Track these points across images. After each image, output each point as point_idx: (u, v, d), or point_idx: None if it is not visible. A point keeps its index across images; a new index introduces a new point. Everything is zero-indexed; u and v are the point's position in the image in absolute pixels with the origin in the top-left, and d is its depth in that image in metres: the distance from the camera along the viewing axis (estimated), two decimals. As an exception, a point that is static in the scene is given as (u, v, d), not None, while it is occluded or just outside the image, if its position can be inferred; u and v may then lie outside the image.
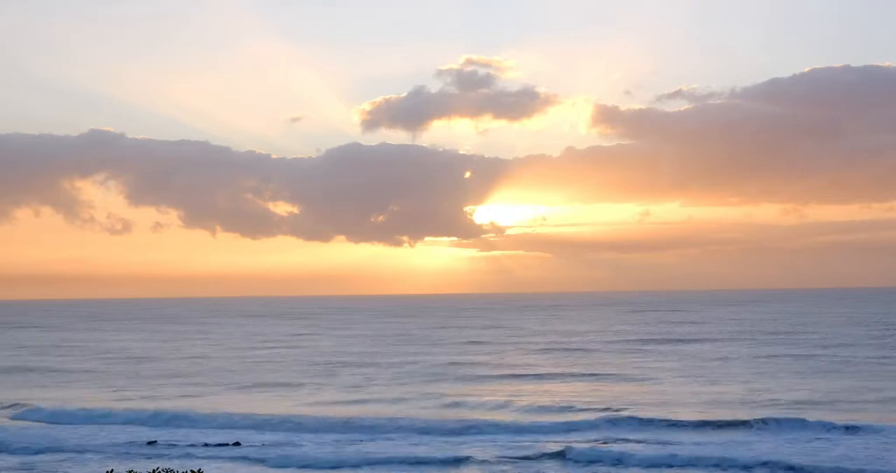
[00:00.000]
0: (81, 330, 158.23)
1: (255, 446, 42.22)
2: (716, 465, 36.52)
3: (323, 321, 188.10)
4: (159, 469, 25.05)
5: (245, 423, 48.17)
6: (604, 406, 51.43)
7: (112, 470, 31.64)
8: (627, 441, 41.76)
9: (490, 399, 55.22)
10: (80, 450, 42.02)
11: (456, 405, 53.96)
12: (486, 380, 66.94)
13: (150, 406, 54.61)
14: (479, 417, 48.74)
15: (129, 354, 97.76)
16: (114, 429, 47.54)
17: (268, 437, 44.60)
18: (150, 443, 43.05)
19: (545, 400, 54.94)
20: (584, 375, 69.64)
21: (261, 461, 39.26)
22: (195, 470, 28.07)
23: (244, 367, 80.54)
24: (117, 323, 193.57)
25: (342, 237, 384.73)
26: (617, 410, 49.96)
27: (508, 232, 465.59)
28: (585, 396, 56.73)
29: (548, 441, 41.72)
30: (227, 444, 42.76)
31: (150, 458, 39.22)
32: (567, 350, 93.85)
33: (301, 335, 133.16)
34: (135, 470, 29.36)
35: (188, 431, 46.72)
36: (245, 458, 39.80)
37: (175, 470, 25.83)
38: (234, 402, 57.02)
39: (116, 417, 51.18)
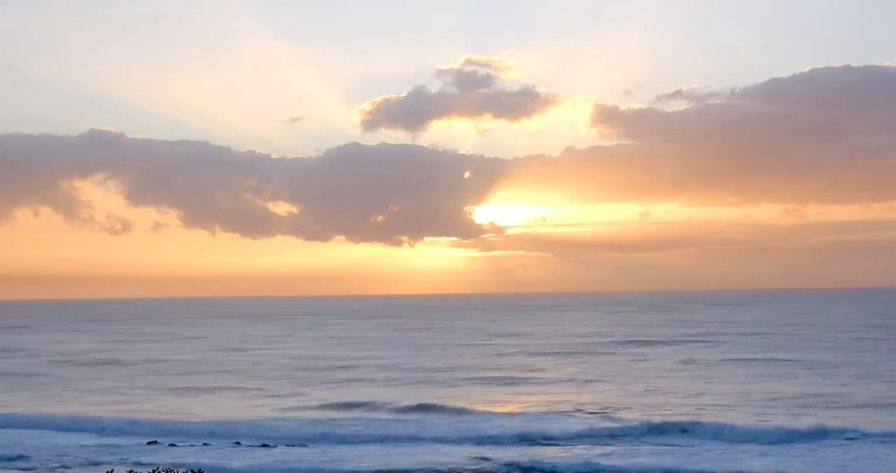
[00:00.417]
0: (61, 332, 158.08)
1: (256, 446, 42.37)
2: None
3: (315, 321, 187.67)
4: (159, 469, 25.23)
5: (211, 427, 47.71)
6: (572, 411, 50.62)
7: (112, 470, 31.84)
8: (594, 447, 41.01)
9: (461, 405, 53.70)
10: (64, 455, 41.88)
11: (421, 409, 52.76)
12: (463, 384, 65.74)
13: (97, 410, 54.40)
14: (441, 423, 47.86)
15: (97, 357, 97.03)
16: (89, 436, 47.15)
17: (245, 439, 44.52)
18: (150, 443, 43.19)
19: (517, 406, 53.54)
20: (558, 379, 68.38)
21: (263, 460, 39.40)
22: (195, 471, 28.24)
23: (211, 369, 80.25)
24: (110, 323, 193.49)
25: (342, 237, 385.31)
26: (586, 415, 49.11)
27: (508, 232, 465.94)
28: (554, 401, 55.09)
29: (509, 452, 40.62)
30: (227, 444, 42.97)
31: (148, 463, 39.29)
32: (549, 353, 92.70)
33: (288, 336, 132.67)
34: (135, 471, 29.57)
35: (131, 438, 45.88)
36: (249, 458, 39.95)
37: (175, 470, 26.00)
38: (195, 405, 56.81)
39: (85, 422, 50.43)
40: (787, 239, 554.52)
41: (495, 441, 42.98)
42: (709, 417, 47.06)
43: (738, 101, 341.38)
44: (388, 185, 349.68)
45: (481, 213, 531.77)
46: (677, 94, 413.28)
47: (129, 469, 33.29)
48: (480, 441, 43.03)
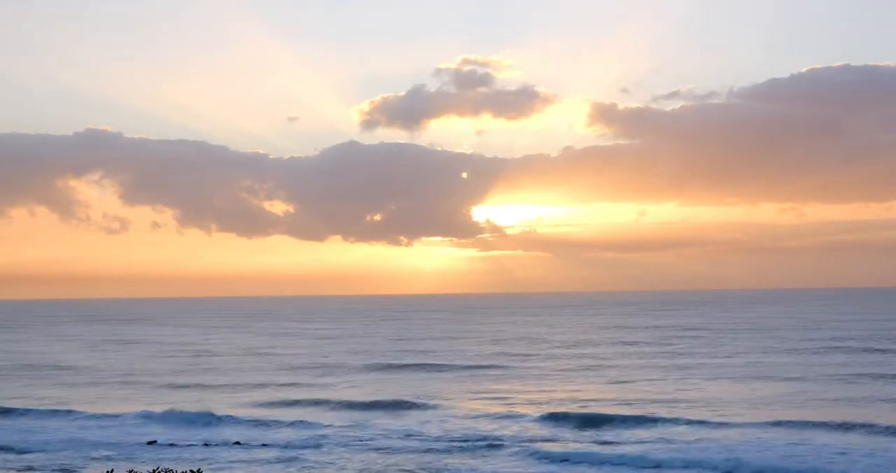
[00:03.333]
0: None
1: (256, 446, 41.75)
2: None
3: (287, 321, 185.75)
4: (159, 469, 24.67)
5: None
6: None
7: (112, 470, 31.25)
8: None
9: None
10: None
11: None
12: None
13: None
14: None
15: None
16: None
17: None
18: (150, 443, 42.57)
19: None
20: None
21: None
22: (195, 470, 27.68)
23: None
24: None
25: (338, 237, 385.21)
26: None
27: (507, 231, 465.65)
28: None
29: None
30: (227, 443, 42.33)
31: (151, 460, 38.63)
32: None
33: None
34: (135, 470, 29.00)
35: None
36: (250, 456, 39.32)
37: (175, 470, 25.46)
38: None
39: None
40: (786, 239, 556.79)
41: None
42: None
43: (737, 101, 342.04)
44: (385, 185, 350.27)
45: (480, 213, 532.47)
46: (675, 94, 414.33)
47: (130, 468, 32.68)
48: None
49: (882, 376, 62.09)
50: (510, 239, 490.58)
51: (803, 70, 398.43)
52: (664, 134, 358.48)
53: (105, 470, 32.66)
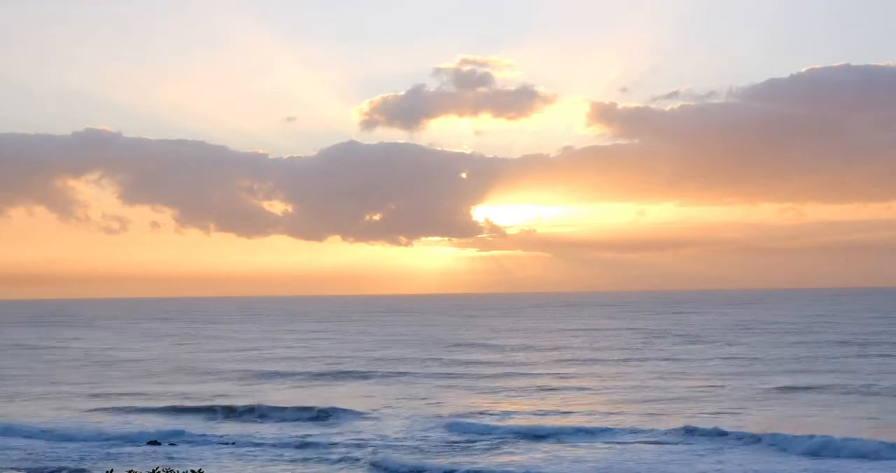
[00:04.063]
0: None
1: (255, 444, 41.71)
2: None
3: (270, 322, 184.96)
4: (159, 469, 24.64)
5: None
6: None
7: (112, 470, 31.22)
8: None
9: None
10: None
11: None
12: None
13: None
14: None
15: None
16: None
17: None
18: (150, 443, 42.50)
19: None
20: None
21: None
22: (195, 470, 27.67)
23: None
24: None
25: (338, 236, 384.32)
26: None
27: (506, 231, 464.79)
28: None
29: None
30: (227, 443, 42.27)
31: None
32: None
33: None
34: (135, 470, 28.96)
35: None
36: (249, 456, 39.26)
37: (175, 470, 25.42)
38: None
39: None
40: (786, 240, 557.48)
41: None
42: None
43: (737, 101, 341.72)
44: (385, 185, 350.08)
45: (479, 213, 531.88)
46: (675, 94, 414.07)
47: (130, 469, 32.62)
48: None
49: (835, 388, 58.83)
50: (509, 239, 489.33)
51: (803, 70, 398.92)
52: (663, 134, 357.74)
53: (105, 470, 32.65)
